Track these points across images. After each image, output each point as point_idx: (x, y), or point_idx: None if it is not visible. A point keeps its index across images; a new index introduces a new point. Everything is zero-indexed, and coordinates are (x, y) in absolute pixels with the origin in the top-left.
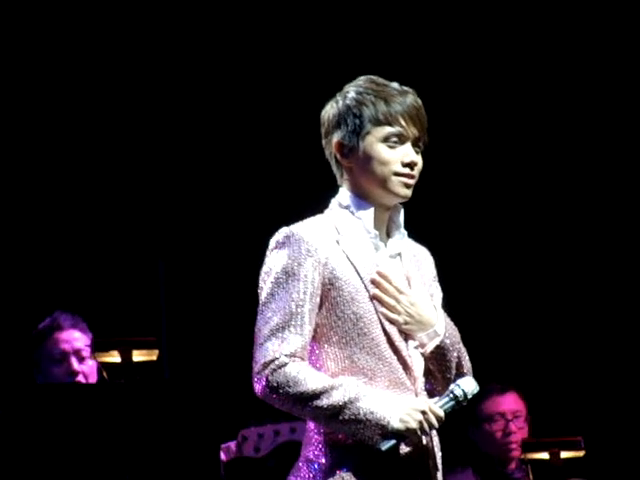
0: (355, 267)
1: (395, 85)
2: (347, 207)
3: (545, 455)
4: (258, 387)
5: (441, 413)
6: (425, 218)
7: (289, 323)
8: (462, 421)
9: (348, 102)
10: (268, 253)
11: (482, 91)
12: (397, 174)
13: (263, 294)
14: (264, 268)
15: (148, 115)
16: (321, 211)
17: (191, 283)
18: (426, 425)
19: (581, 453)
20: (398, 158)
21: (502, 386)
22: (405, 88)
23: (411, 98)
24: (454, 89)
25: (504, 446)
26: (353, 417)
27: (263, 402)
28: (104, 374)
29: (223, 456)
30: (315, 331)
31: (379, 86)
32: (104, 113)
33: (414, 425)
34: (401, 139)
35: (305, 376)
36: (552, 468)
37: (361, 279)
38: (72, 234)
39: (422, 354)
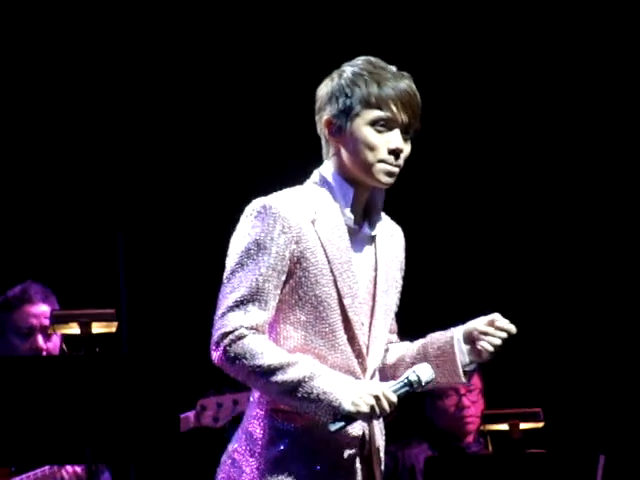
0: (325, 250)
1: (392, 69)
2: (328, 184)
3: (504, 426)
4: (215, 355)
5: (394, 398)
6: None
7: (254, 297)
8: (419, 397)
9: (342, 81)
10: (242, 219)
11: (473, 79)
12: (382, 161)
13: (231, 262)
14: (236, 234)
15: (107, 87)
16: (292, 183)
17: (150, 255)
18: (378, 410)
19: (540, 424)
20: (384, 144)
21: None
22: (402, 73)
23: (406, 83)
24: (447, 74)
25: (458, 421)
26: (306, 396)
27: (222, 372)
28: (63, 346)
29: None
30: (277, 308)
31: (375, 68)
32: (65, 86)
33: (365, 409)
34: (389, 124)
35: (263, 350)
36: (511, 439)
37: (329, 263)
38: (32, 206)
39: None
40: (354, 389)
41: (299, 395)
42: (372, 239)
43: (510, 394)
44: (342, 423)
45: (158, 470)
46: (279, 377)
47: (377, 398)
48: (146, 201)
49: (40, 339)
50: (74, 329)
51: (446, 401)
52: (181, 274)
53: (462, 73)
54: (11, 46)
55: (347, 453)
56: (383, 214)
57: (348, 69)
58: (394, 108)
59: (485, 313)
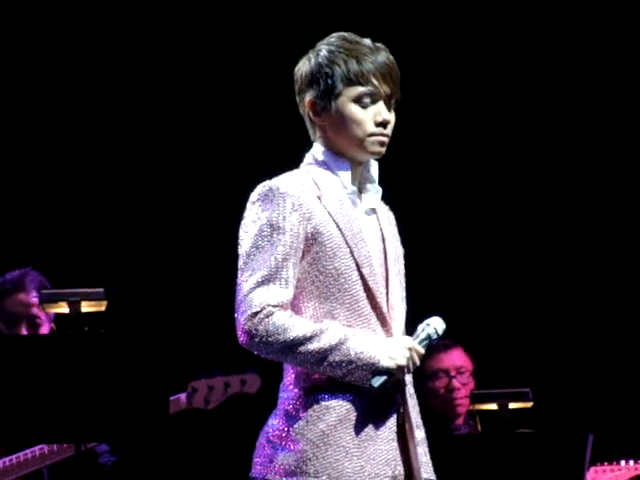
0: (337, 223)
1: (367, 42)
2: (323, 163)
3: (493, 406)
4: (245, 338)
5: (422, 350)
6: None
7: (275, 276)
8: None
9: (320, 60)
10: (249, 206)
11: (473, 73)
12: (371, 134)
13: (245, 246)
14: (245, 221)
15: (100, 76)
16: (290, 167)
17: (140, 234)
18: (411, 362)
19: (529, 404)
20: (371, 117)
21: (446, 342)
22: (377, 45)
23: (383, 55)
24: (448, 67)
25: (448, 403)
26: (344, 358)
27: (213, 354)
28: (53, 325)
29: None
30: (296, 285)
31: (351, 44)
32: (57, 76)
33: (403, 362)
34: (373, 98)
35: (293, 323)
36: (500, 419)
37: (342, 235)
38: (23, 187)
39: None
40: (388, 345)
41: (337, 359)
42: (373, 211)
43: (499, 374)
44: (384, 377)
45: (147, 451)
46: (314, 345)
47: (410, 350)
48: (136, 180)
49: (24, 329)
50: (63, 308)
51: (436, 382)
52: (171, 254)
53: (463, 65)
54: (10, 37)
55: (385, 422)
56: (380, 193)
57: (324, 48)
58: (375, 82)
59: (478, 297)
